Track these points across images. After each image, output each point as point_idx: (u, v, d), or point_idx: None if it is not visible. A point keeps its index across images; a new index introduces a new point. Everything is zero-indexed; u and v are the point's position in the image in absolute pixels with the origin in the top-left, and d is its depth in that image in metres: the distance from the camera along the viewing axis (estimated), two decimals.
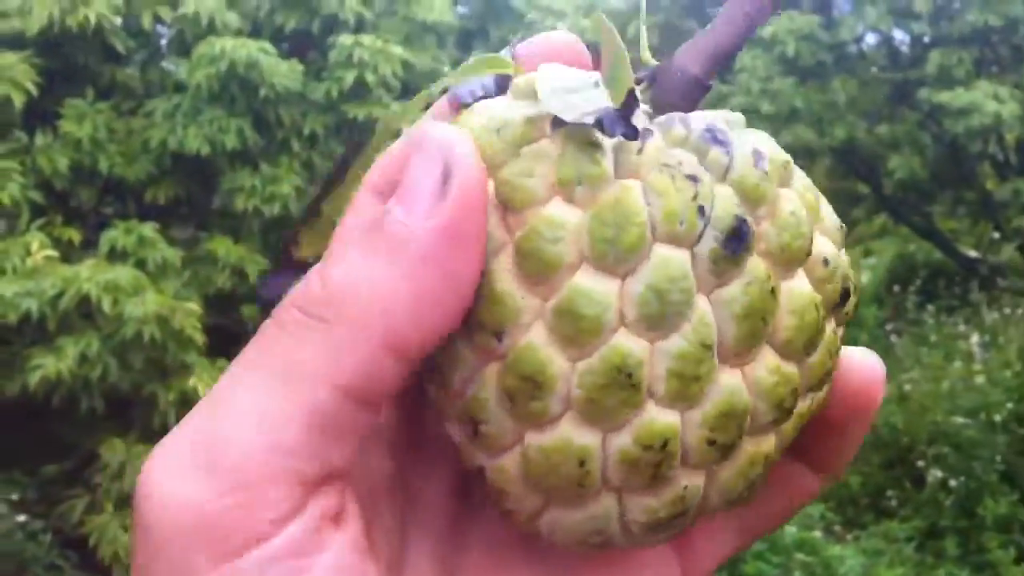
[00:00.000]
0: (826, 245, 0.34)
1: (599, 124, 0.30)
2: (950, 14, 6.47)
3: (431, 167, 0.30)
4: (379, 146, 0.35)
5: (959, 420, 4.46)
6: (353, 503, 0.30)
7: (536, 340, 0.30)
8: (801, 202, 0.33)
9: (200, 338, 3.54)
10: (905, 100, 6.77)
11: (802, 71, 6.64)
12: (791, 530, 3.71)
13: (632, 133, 0.31)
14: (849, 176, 7.40)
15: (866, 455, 4.76)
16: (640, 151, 0.31)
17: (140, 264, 3.68)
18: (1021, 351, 4.98)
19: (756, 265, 0.32)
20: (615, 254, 0.30)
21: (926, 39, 6.84)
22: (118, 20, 4.08)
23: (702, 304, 0.31)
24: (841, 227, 0.36)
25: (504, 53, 0.36)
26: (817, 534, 3.83)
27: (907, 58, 7.01)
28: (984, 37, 6.51)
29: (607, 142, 0.31)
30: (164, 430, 2.86)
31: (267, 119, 4.21)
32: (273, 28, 4.40)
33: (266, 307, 0.31)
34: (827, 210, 0.35)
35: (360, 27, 4.42)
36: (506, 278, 0.31)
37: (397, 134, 0.35)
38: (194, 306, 3.58)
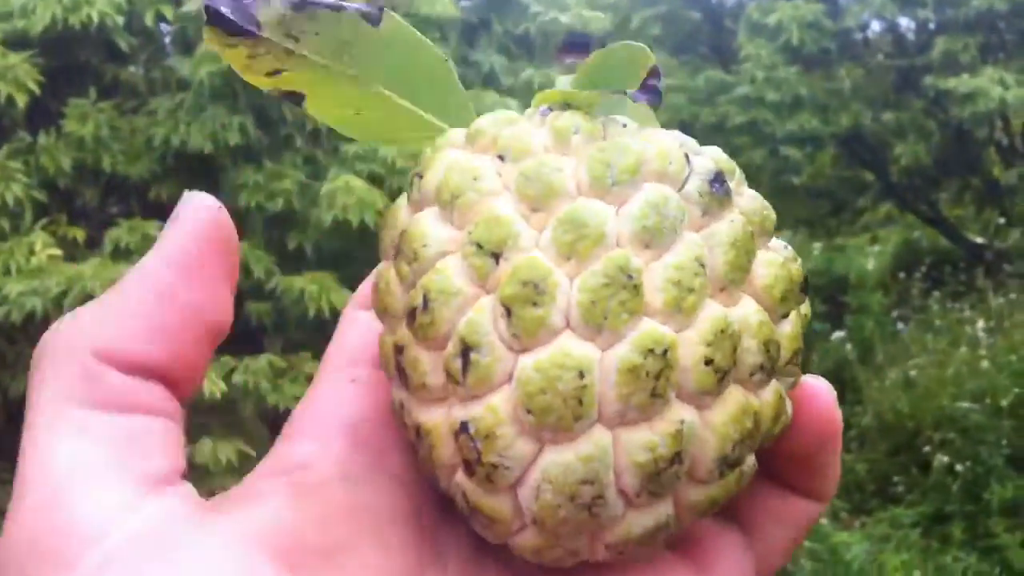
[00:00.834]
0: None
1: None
2: (955, 0, 6.44)
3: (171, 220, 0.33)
4: None
5: (965, 405, 4.46)
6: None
7: (538, 254, 0.32)
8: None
9: None
10: (910, 87, 6.75)
11: (807, 59, 6.62)
12: None
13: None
14: (854, 164, 7.38)
15: (872, 441, 4.76)
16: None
17: None
18: None
19: (737, 213, 0.34)
20: (613, 178, 0.33)
21: (931, 25, 6.82)
22: (121, 19, 4.09)
23: (692, 235, 0.33)
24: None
25: None
26: (823, 520, 3.84)
27: (912, 45, 6.99)
28: (989, 23, 6.48)
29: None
30: None
31: (270, 115, 4.22)
32: None
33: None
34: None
35: None
36: (506, 205, 0.33)
37: None
38: None
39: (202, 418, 3.60)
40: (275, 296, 3.95)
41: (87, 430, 0.29)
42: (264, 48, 0.37)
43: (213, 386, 3.49)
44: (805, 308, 0.37)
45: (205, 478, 3.51)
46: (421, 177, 0.35)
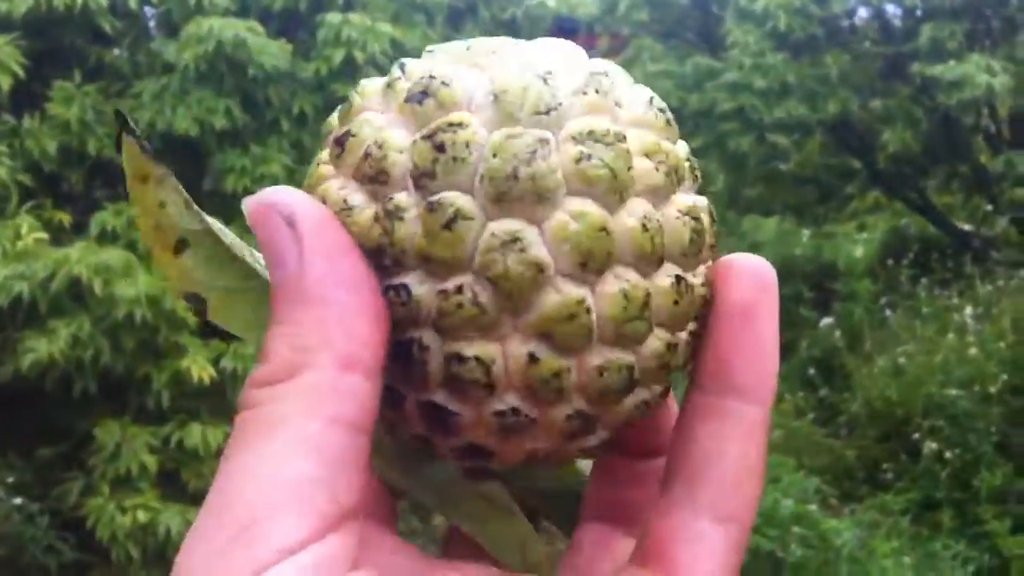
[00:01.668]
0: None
1: None
2: None
3: (275, 224, 0.31)
4: None
5: (953, 392, 4.47)
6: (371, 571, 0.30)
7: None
8: None
9: (192, 319, 3.54)
10: (898, 74, 6.75)
11: (794, 45, 6.61)
12: (787, 503, 3.72)
13: None
14: (842, 151, 7.38)
15: (861, 428, 4.77)
16: None
17: (131, 246, 3.66)
18: (1015, 323, 4.98)
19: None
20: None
21: (918, 12, 6.81)
22: (105, 1, 4.05)
23: None
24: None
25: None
26: (813, 507, 3.84)
27: (899, 31, 6.99)
28: (976, 10, 6.48)
29: None
30: (159, 411, 2.86)
31: (256, 99, 4.19)
32: (261, 7, 4.37)
33: None
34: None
35: (349, 5, 4.40)
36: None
37: None
38: None
39: (191, 403, 3.58)
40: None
41: (315, 445, 0.29)
42: (174, 197, 0.34)
43: (202, 371, 3.47)
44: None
45: (195, 462, 3.49)
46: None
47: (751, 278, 0.33)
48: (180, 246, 0.34)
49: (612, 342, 0.30)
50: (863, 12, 7.26)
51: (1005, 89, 5.89)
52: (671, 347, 0.32)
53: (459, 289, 0.29)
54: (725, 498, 0.32)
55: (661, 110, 0.33)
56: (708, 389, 0.33)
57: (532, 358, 0.30)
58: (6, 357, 3.47)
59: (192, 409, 3.60)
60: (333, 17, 4.23)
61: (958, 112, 6.22)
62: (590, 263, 0.29)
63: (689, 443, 0.33)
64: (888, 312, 5.76)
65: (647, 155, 0.31)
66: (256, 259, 0.36)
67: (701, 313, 0.33)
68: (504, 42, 0.33)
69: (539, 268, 0.29)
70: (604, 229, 0.30)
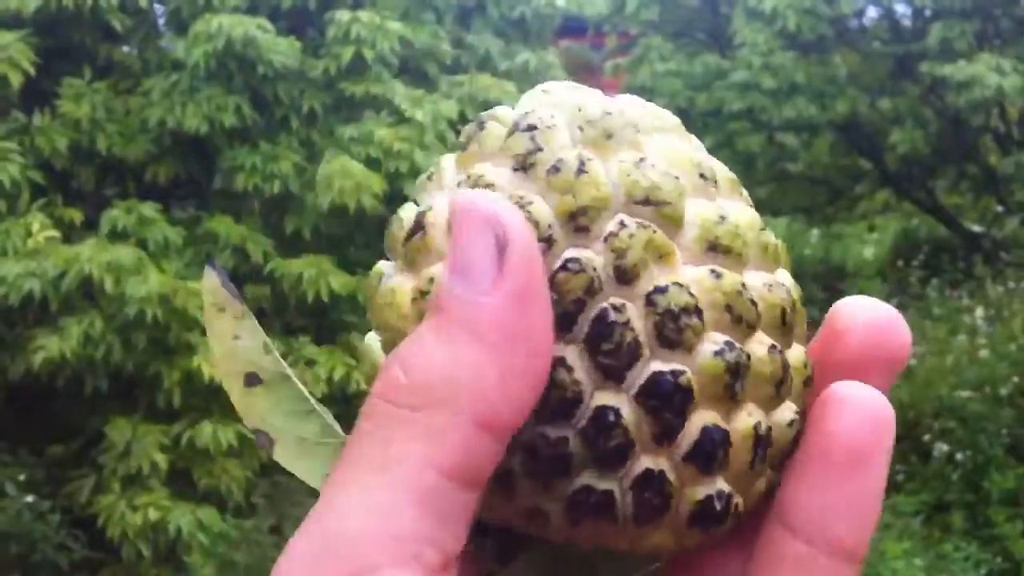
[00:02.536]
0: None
1: None
2: None
3: (482, 237, 0.29)
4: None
5: (964, 394, 4.46)
6: None
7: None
8: None
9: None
10: (907, 74, 6.75)
11: (803, 45, 6.60)
12: None
13: None
14: (851, 151, 7.37)
15: None
16: None
17: (141, 244, 3.66)
18: None
19: None
20: None
21: (927, 12, 6.81)
22: None
23: None
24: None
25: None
26: None
27: (909, 31, 6.99)
28: (985, 10, 6.48)
29: None
30: (169, 409, 2.84)
31: (265, 97, 4.19)
32: (270, 5, 4.37)
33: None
34: None
35: (358, 3, 4.40)
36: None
37: None
38: (196, 285, 3.56)
39: (202, 401, 3.57)
40: (273, 279, 3.92)
41: (427, 499, 0.28)
42: (251, 334, 0.33)
43: (213, 369, 3.46)
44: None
45: (205, 461, 3.48)
46: None
47: (867, 415, 0.30)
48: (251, 379, 0.33)
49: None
50: (872, 12, 7.26)
51: (1015, 89, 5.88)
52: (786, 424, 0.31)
53: None
54: None
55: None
56: (799, 534, 0.30)
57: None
58: (17, 355, 3.47)
59: (203, 407, 3.59)
60: (342, 15, 4.23)
61: (968, 112, 6.21)
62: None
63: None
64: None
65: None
66: (330, 416, 0.34)
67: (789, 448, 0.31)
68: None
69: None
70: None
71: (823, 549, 0.29)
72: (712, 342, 0.29)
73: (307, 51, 4.35)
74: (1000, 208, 6.82)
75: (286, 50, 4.12)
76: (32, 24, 3.95)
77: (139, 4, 4.18)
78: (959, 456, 4.21)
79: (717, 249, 0.30)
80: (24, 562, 3.22)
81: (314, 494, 0.30)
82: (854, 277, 6.24)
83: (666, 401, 0.29)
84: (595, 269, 0.29)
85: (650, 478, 0.29)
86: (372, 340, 0.32)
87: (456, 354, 0.28)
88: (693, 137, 0.33)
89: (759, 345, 0.30)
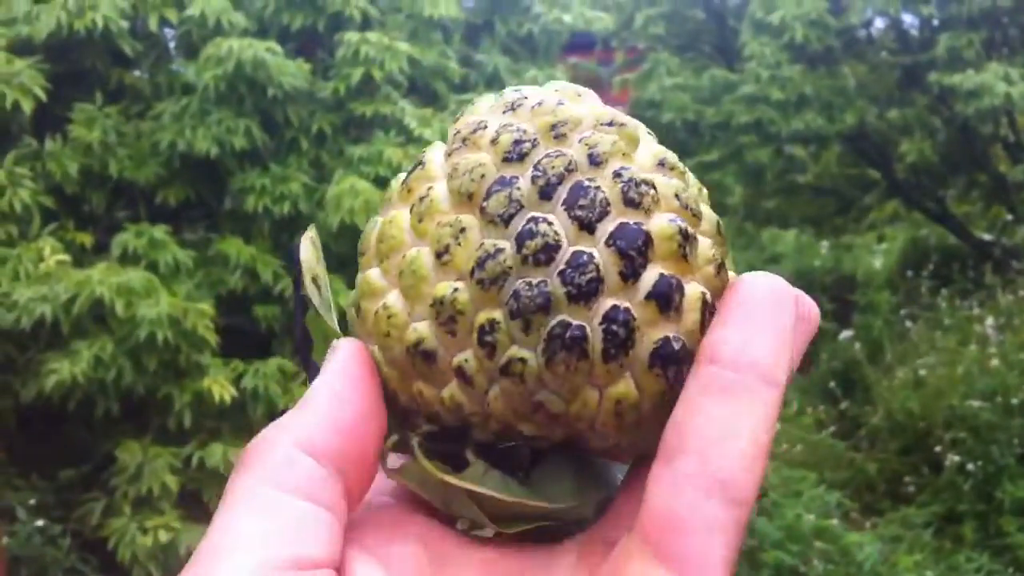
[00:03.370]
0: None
1: None
2: None
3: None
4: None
5: (976, 404, 4.45)
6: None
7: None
8: None
9: (213, 338, 3.55)
10: (915, 84, 6.74)
11: (811, 57, 6.61)
12: (809, 518, 3.70)
13: None
14: (860, 162, 7.36)
15: (883, 441, 4.74)
16: None
17: (152, 266, 3.69)
18: None
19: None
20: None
21: (935, 22, 6.80)
22: (125, 24, 4.09)
23: None
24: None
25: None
26: (835, 522, 3.82)
27: (916, 41, 6.98)
28: (993, 19, 6.46)
29: None
30: (180, 431, 2.86)
31: (275, 119, 4.22)
32: (279, 27, 4.40)
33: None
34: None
35: (366, 24, 4.42)
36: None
37: None
38: (206, 307, 3.59)
39: (213, 423, 3.59)
40: (283, 300, 3.95)
41: (269, 509, 0.33)
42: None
43: (223, 390, 3.49)
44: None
45: (216, 482, 3.50)
46: None
47: (770, 280, 0.36)
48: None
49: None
50: (880, 23, 7.25)
51: (1023, 98, 5.86)
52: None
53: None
54: (738, 478, 0.32)
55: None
56: (728, 365, 0.33)
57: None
58: (29, 379, 3.50)
59: (213, 429, 3.61)
60: (351, 36, 4.26)
61: (976, 121, 6.20)
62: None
63: (698, 416, 0.33)
64: (908, 323, 5.74)
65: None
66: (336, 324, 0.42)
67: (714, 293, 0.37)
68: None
69: None
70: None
71: (748, 374, 0.33)
72: (667, 213, 0.36)
73: (316, 72, 4.38)
74: (1010, 216, 6.79)
75: (295, 72, 4.15)
76: (44, 50, 4.00)
77: (149, 29, 4.22)
78: (970, 467, 4.19)
79: (665, 165, 0.37)
80: None
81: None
82: (864, 288, 6.22)
83: (631, 244, 0.34)
84: (573, 156, 0.36)
85: (617, 313, 0.34)
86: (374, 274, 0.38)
87: (295, 408, 0.36)
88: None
89: (703, 235, 0.36)
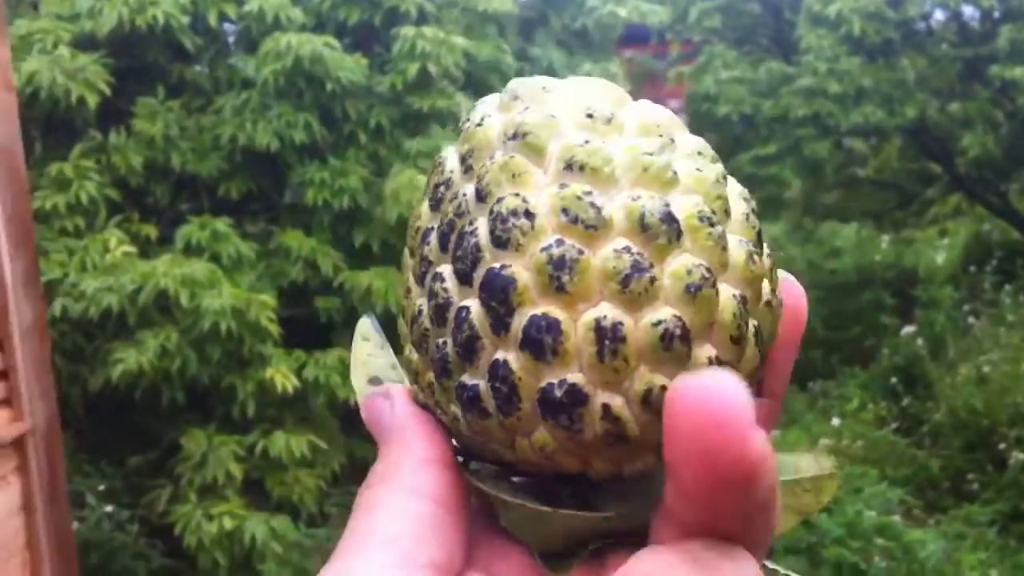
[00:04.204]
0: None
1: None
2: None
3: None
4: None
5: None
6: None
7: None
8: None
9: (275, 329, 3.59)
10: (976, 76, 6.63)
11: (869, 50, 6.52)
12: (870, 514, 3.66)
13: None
14: (921, 156, 7.26)
15: (945, 437, 4.68)
16: None
17: (215, 258, 3.73)
18: None
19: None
20: None
21: (996, 14, 6.69)
22: (185, 19, 4.14)
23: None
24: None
25: None
26: (897, 518, 3.78)
27: (977, 34, 6.87)
28: None
29: None
30: (244, 420, 2.89)
31: (333, 113, 4.25)
32: (336, 22, 4.43)
33: None
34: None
35: (422, 19, 4.44)
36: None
37: None
38: (268, 298, 3.62)
39: (275, 412, 3.63)
40: (343, 291, 3.97)
41: (417, 504, 0.34)
42: (382, 355, 0.42)
43: (285, 380, 3.52)
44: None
45: (278, 470, 3.53)
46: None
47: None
48: (373, 380, 0.40)
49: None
50: (939, 15, 7.14)
51: None
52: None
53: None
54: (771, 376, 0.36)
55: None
56: None
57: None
58: (97, 368, 3.55)
59: (276, 418, 3.64)
60: (407, 31, 4.27)
61: None
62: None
63: None
64: (971, 319, 5.65)
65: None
66: None
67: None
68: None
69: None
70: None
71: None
72: (543, 240, 0.31)
73: (373, 67, 4.41)
74: None
75: (353, 67, 4.18)
76: (107, 45, 4.06)
77: (209, 24, 4.27)
78: None
79: (573, 167, 0.32)
80: (104, 570, 3.29)
81: None
82: (926, 283, 6.13)
83: (496, 293, 0.32)
84: (465, 195, 0.33)
85: (497, 367, 0.32)
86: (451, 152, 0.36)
87: None
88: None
89: (605, 246, 0.31)
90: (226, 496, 3.39)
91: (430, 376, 0.34)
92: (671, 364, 0.31)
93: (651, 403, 0.31)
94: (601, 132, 0.33)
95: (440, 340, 0.33)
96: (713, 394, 0.27)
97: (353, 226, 4.19)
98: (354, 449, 3.89)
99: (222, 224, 3.84)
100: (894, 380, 5.10)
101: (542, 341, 0.31)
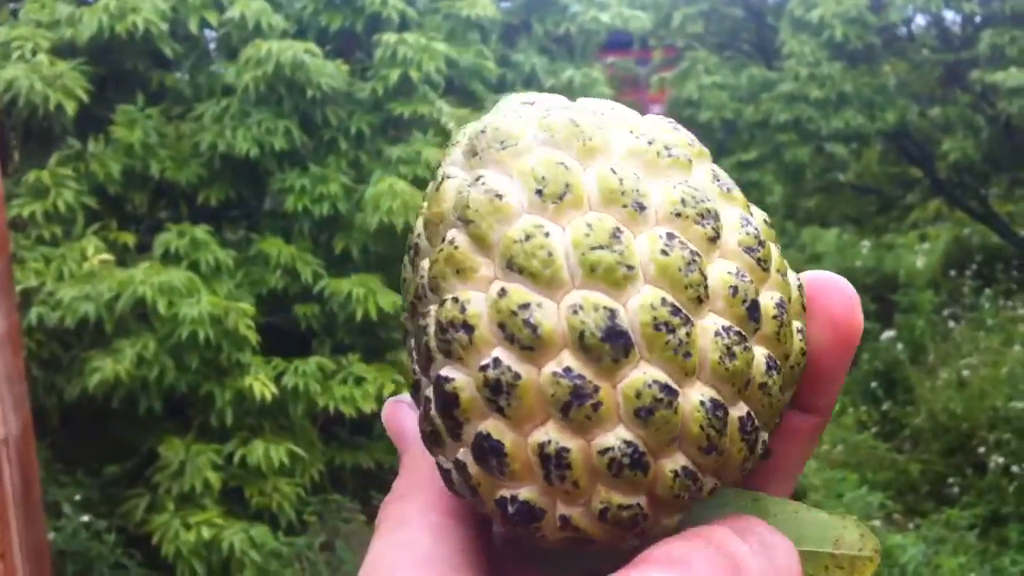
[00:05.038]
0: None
1: None
2: None
3: None
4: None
5: (1020, 405, 4.39)
6: None
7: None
8: None
9: (254, 337, 3.58)
10: (957, 81, 6.67)
11: (851, 55, 6.55)
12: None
13: None
14: (902, 160, 7.29)
15: (925, 442, 4.69)
16: None
17: (194, 266, 3.72)
18: None
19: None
20: None
21: (977, 19, 6.72)
22: (165, 26, 4.12)
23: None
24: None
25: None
26: (877, 523, 3.79)
27: (958, 39, 6.90)
28: None
29: None
30: (222, 428, 2.88)
31: (314, 119, 4.24)
32: (318, 29, 4.43)
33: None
34: None
35: (404, 25, 4.44)
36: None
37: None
38: (247, 306, 3.61)
39: (254, 420, 3.61)
40: (323, 299, 3.97)
41: (433, 532, 0.35)
42: None
43: (264, 388, 3.51)
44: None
45: (257, 479, 3.52)
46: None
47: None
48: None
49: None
50: (921, 20, 7.18)
51: None
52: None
53: (450, 240, 0.33)
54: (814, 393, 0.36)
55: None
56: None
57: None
58: (73, 377, 3.54)
59: (254, 426, 3.63)
60: (389, 37, 4.27)
61: (1019, 119, 6.11)
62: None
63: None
64: (951, 324, 5.68)
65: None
66: None
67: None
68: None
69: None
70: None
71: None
72: (482, 357, 0.30)
73: (355, 73, 4.40)
74: None
75: (334, 73, 4.17)
76: (86, 52, 4.04)
77: (190, 31, 4.26)
78: (1015, 468, 4.14)
79: (513, 268, 0.30)
80: None
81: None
82: (906, 288, 6.16)
83: (445, 404, 0.31)
84: (422, 278, 0.32)
85: (460, 465, 0.32)
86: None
87: None
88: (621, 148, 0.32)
89: (544, 367, 0.30)
90: (204, 505, 3.38)
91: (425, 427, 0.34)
92: (627, 485, 0.30)
93: (610, 519, 0.31)
94: (551, 214, 0.31)
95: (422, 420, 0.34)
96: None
97: (333, 233, 4.18)
98: (333, 457, 3.88)
99: (201, 232, 3.83)
100: (874, 385, 5.12)
101: (488, 460, 0.31)
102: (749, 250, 0.32)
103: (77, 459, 3.65)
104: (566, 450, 0.30)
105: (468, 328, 0.31)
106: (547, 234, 0.30)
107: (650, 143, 0.33)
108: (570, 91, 5.14)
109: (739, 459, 0.32)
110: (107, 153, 4.00)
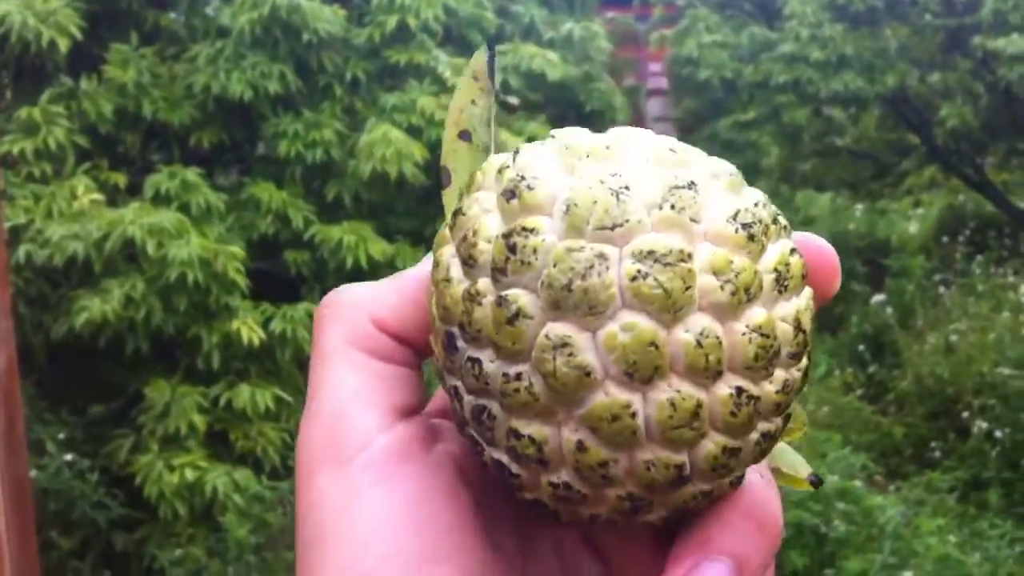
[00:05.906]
0: None
1: None
2: None
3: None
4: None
5: (1006, 371, 4.41)
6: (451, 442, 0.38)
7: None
8: None
9: (243, 281, 3.57)
10: (958, 47, 6.62)
11: (853, 17, 6.50)
12: (832, 479, 3.69)
13: None
14: (900, 125, 7.26)
15: (910, 405, 4.72)
16: None
17: (184, 208, 3.70)
18: None
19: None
20: None
21: None
22: None
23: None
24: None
25: None
26: (858, 483, 3.81)
27: (961, 4, 6.84)
28: None
29: None
30: (208, 372, 2.87)
31: (309, 64, 4.21)
32: None
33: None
34: None
35: None
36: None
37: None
38: (237, 250, 3.60)
39: (241, 364, 3.62)
40: (313, 245, 3.96)
41: (362, 367, 0.38)
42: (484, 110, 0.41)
43: (252, 333, 3.51)
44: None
45: (243, 423, 3.53)
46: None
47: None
48: (463, 135, 0.40)
49: (661, 443, 0.32)
50: None
51: None
52: (729, 451, 0.33)
53: (518, 376, 0.32)
54: None
55: (746, 224, 0.32)
56: None
57: (581, 445, 0.32)
58: (60, 316, 3.53)
59: (241, 370, 3.64)
60: None
61: (1020, 87, 6.08)
62: (637, 373, 0.31)
63: None
64: (941, 289, 5.69)
65: (715, 272, 0.32)
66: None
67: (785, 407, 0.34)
68: (608, 142, 0.33)
69: (586, 372, 0.31)
70: (654, 343, 0.31)
71: None
72: (552, 475, 0.33)
73: (352, 19, 4.37)
74: None
75: (331, 18, 4.14)
76: None
77: None
78: (998, 433, 4.17)
79: (599, 436, 0.32)
80: (63, 519, 3.29)
81: None
82: (898, 253, 6.16)
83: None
84: (478, 362, 0.34)
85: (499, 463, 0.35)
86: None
87: (378, 284, 0.41)
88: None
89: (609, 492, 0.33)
90: (188, 447, 3.39)
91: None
92: None
93: None
94: (639, 396, 0.32)
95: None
96: None
97: (326, 180, 4.17)
98: None
99: (192, 174, 3.81)
100: (862, 347, 5.14)
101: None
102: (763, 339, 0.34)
103: (62, 398, 3.66)
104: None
105: (542, 459, 0.33)
106: (633, 415, 0.32)
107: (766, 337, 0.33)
108: (569, 44, 5.11)
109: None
110: (99, 92, 3.97)
